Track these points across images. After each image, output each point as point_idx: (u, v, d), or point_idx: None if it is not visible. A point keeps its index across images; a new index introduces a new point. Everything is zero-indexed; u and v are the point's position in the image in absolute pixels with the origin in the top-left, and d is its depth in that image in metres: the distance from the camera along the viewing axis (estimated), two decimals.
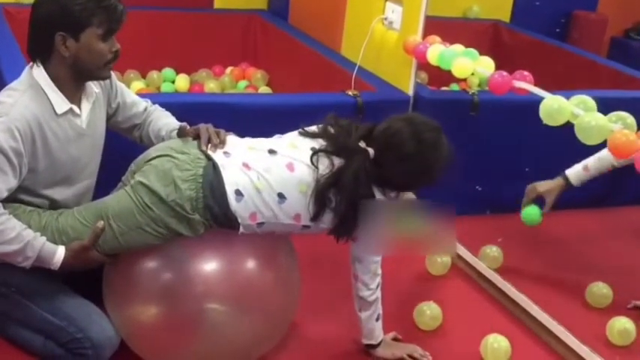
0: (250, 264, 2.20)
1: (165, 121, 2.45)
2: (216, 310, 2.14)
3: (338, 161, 2.15)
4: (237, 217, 2.10)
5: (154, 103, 2.53)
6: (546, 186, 2.91)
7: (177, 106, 2.61)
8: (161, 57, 4.43)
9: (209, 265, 2.14)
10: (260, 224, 2.14)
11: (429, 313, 2.63)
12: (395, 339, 2.54)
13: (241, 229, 2.13)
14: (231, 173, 2.11)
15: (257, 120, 2.89)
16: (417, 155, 2.16)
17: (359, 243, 2.27)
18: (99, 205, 2.15)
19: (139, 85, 4.23)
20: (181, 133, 2.33)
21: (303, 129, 2.27)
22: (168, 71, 4.46)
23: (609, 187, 2.94)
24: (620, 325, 2.62)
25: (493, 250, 3.04)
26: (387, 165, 2.16)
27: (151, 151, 2.22)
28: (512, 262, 3.03)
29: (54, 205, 2.22)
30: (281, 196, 2.13)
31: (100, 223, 2.07)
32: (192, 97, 3.54)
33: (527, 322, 2.73)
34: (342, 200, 2.14)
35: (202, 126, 2.26)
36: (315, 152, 2.17)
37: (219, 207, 2.09)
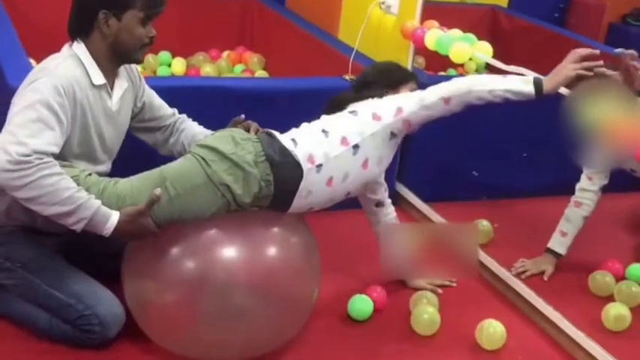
0: (272, 251, 2.21)
1: (200, 129, 2.54)
2: (238, 297, 2.14)
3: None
4: (298, 160, 2.23)
5: (151, 86, 2.52)
6: (541, 265, 2.87)
7: (173, 90, 2.60)
8: (157, 40, 4.31)
9: (231, 252, 2.15)
10: (319, 167, 2.26)
11: (425, 301, 2.63)
12: None
13: (303, 181, 2.23)
14: (284, 137, 2.30)
15: (253, 104, 2.88)
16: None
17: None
18: (156, 171, 2.18)
19: None
20: (232, 125, 2.42)
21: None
22: (164, 55, 4.44)
23: None
24: (616, 310, 2.63)
25: (484, 225, 3.10)
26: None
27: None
28: (508, 247, 3.04)
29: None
30: (324, 131, 2.34)
31: (158, 190, 2.08)
32: (189, 81, 3.53)
33: (522, 307, 2.74)
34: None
35: (251, 122, 2.42)
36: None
37: (281, 154, 2.22)
